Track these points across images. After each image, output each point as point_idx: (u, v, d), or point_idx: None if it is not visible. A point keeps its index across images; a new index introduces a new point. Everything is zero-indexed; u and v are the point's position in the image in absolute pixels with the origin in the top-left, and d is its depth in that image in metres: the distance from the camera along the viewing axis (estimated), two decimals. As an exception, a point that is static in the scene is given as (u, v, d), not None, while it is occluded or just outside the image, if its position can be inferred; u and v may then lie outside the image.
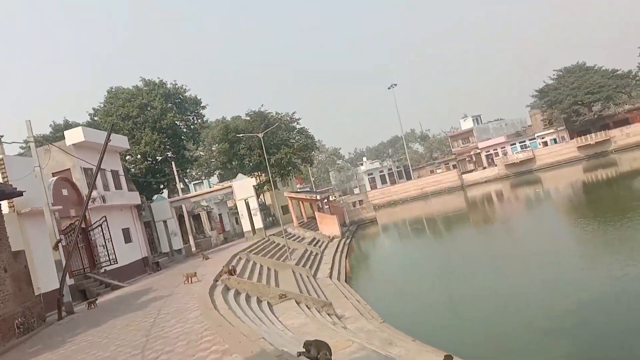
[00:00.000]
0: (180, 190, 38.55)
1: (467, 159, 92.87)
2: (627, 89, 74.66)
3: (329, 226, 44.26)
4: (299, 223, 45.11)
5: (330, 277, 24.18)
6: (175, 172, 39.23)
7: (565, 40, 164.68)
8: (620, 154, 70.30)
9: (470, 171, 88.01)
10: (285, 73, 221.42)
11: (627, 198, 33.97)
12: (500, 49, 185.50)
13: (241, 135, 48.13)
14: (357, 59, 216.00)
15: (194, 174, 55.93)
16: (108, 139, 17.90)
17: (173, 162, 40.26)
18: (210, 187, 54.90)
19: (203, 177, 71.75)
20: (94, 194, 23.77)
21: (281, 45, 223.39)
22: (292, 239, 35.19)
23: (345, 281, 24.52)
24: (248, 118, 52.66)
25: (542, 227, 30.51)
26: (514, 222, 36.85)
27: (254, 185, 47.71)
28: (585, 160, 73.51)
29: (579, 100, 73.49)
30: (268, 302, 15.06)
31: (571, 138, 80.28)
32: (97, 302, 18.53)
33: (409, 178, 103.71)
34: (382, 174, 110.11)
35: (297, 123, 53.45)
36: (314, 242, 35.77)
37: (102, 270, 24.28)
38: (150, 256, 31.40)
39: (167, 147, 44.37)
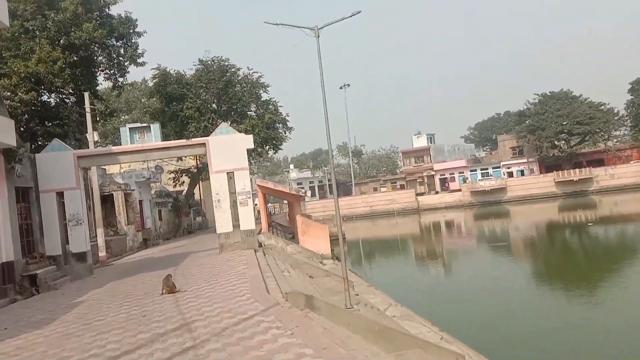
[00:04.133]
0: (93, 144, 21.30)
1: (417, 180, 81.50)
2: (608, 127, 67.34)
3: (316, 239, 28.85)
4: (269, 229, 29.37)
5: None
6: (89, 113, 21.93)
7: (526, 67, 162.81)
8: (602, 196, 62.41)
9: (422, 194, 76.57)
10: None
11: (599, 259, 26.50)
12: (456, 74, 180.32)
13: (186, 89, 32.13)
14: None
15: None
16: None
17: (86, 94, 22.82)
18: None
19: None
20: None
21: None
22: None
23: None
24: (200, 67, 36.13)
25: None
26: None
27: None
28: (562, 198, 64.86)
29: (566, 130, 64.75)
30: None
31: (540, 172, 71.86)
32: None
33: (347, 193, 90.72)
34: (312, 185, 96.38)
35: (265, 91, 37.83)
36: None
37: None
38: (21, 262, 14.43)
39: (75, 77, 26.80)
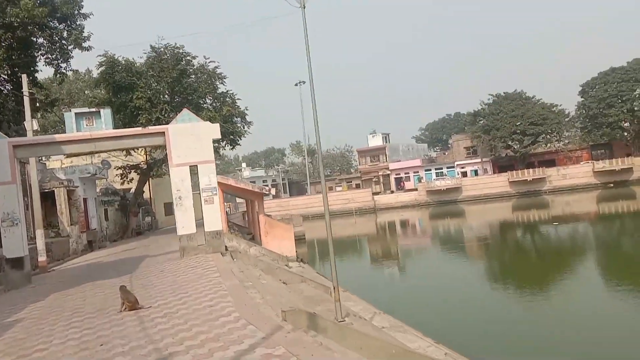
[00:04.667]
0: (31, 133, 18.54)
1: (373, 179, 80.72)
2: (560, 128, 68.60)
3: (280, 240, 27.13)
4: (228, 229, 27.18)
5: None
6: (27, 97, 19.14)
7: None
8: (554, 196, 63.48)
9: (378, 193, 75.80)
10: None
11: (550, 257, 26.76)
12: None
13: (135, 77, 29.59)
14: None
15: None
16: None
17: (24, 76, 19.95)
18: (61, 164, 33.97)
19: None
20: None
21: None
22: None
23: None
24: (152, 54, 33.46)
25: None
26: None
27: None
28: (516, 198, 65.52)
29: (521, 130, 65.39)
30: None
31: (494, 172, 72.57)
32: None
33: (301, 193, 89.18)
34: (265, 184, 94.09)
35: (222, 83, 35.55)
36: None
37: None
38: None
39: (11, 59, 23.83)
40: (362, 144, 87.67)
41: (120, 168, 35.10)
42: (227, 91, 35.70)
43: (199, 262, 14.32)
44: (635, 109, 62.81)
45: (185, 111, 16.47)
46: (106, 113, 15.63)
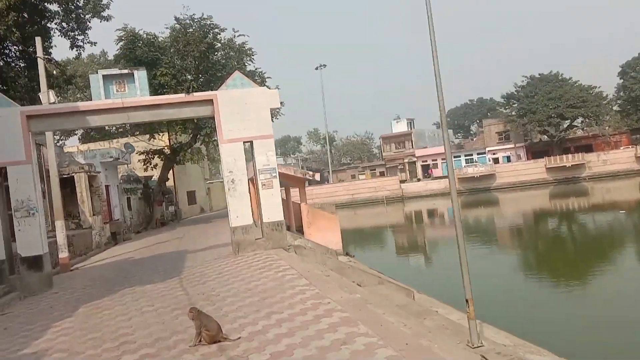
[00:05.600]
0: (47, 104, 15.47)
1: (398, 167, 77.31)
2: (601, 111, 64.52)
3: (325, 231, 24.02)
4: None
5: None
6: (41, 59, 16.10)
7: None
8: (594, 183, 59.68)
9: (404, 181, 72.37)
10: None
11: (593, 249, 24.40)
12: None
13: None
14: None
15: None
16: None
17: (38, 39, 16.87)
18: (65, 150, 30.95)
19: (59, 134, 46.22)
20: None
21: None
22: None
23: None
24: (177, 26, 30.32)
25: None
26: None
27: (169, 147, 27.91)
28: (553, 185, 61.87)
29: (559, 113, 61.58)
30: None
31: (527, 158, 68.88)
32: None
33: (321, 181, 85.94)
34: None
35: (251, 60, 32.36)
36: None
37: None
38: None
39: (21, 27, 20.79)
40: (384, 131, 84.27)
41: (142, 153, 32.13)
42: (257, 69, 32.60)
43: (264, 261, 11.27)
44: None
45: (237, 74, 13.29)
46: (141, 76, 12.54)
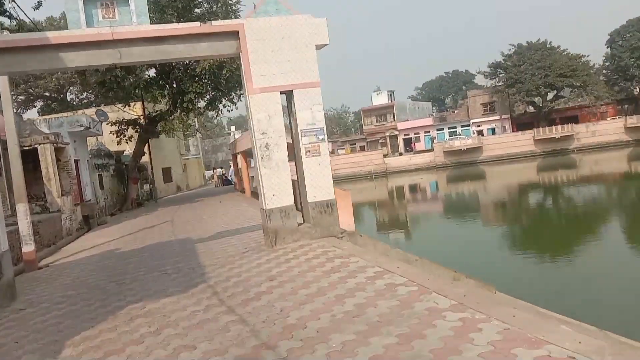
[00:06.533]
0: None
1: (380, 141, 74.32)
2: (591, 80, 62.74)
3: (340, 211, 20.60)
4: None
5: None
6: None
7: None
8: (582, 155, 58.12)
9: (385, 155, 69.53)
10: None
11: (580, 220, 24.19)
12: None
13: None
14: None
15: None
16: None
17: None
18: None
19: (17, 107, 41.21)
20: None
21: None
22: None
23: None
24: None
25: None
26: None
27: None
28: (541, 157, 60.06)
29: (548, 83, 59.41)
30: None
31: (512, 130, 66.97)
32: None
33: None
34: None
35: (236, 17, 28.23)
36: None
37: None
38: None
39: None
40: (361, 104, 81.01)
41: (115, 123, 27.89)
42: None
43: (326, 257, 7.89)
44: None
45: (268, -1, 9.57)
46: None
